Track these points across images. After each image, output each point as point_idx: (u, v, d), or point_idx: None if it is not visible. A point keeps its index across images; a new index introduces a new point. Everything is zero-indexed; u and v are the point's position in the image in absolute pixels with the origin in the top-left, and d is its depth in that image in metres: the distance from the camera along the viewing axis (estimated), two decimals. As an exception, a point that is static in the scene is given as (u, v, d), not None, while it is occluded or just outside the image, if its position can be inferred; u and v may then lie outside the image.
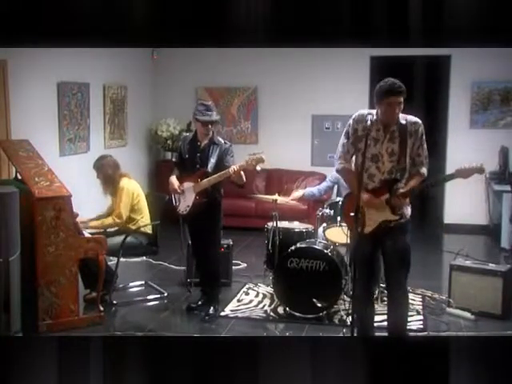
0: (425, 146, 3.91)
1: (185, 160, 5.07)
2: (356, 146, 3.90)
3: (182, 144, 5.15)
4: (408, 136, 3.84)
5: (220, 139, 5.03)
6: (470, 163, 3.72)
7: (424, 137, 3.90)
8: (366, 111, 3.89)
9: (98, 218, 5.54)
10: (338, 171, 4.14)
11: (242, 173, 4.79)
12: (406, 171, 3.88)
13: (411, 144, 3.85)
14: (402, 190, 3.85)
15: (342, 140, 4.00)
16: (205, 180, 4.88)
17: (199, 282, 5.40)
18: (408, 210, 3.97)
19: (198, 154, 4.99)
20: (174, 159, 5.38)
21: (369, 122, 3.74)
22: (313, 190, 5.94)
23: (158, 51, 8.71)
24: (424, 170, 3.92)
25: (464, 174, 3.73)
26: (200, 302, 5.21)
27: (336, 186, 5.84)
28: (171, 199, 5.22)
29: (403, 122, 3.87)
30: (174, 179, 5.08)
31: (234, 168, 4.73)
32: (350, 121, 3.96)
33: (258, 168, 4.82)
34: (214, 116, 4.94)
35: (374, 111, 3.89)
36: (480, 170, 3.72)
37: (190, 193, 4.96)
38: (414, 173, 3.91)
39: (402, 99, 3.76)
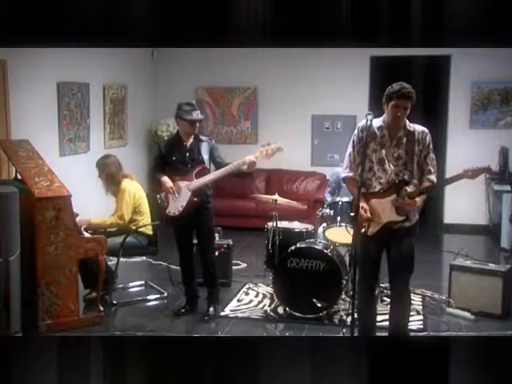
0: (432, 154, 3.93)
1: (172, 162, 4.98)
2: (362, 153, 3.88)
3: (165, 147, 5.03)
4: (416, 143, 3.86)
5: (202, 136, 5.05)
6: (478, 165, 3.70)
7: (431, 146, 3.92)
8: (369, 119, 3.88)
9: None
10: (343, 179, 4.15)
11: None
12: (412, 176, 3.88)
13: (418, 151, 3.87)
14: (409, 190, 3.85)
15: (349, 149, 4.02)
16: (208, 176, 4.87)
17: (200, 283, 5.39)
18: (415, 214, 3.97)
19: (187, 154, 4.95)
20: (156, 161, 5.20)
21: (369, 122, 3.76)
22: (326, 196, 5.90)
23: (158, 51, 8.71)
24: (433, 178, 3.92)
25: (472, 174, 3.72)
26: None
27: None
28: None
29: (410, 129, 3.89)
30: (166, 178, 4.97)
31: (249, 159, 4.69)
32: (356, 130, 3.98)
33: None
34: (200, 115, 4.97)
35: (379, 119, 3.92)
36: (487, 170, 3.74)
37: (185, 192, 4.91)
38: (423, 180, 3.91)
39: (408, 104, 3.79)
